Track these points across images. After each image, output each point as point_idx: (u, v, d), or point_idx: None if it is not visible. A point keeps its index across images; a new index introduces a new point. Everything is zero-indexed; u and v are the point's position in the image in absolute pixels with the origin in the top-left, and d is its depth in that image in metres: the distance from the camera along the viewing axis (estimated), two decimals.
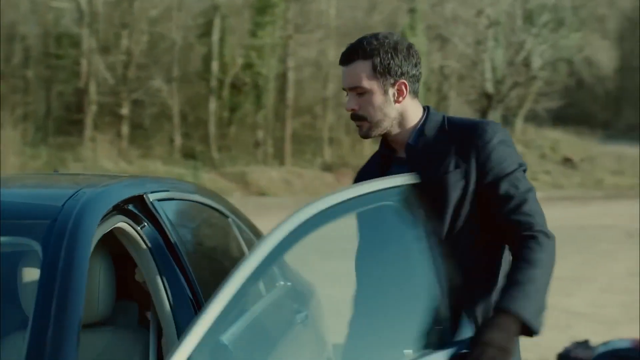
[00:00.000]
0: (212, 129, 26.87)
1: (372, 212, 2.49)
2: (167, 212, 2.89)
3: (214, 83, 26.98)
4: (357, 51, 2.74)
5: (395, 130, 2.78)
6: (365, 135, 2.78)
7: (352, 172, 26.66)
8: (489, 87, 28.97)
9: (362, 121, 2.74)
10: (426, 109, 2.83)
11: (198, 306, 2.71)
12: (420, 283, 2.48)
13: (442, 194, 2.60)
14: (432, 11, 27.12)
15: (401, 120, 2.79)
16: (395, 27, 28.11)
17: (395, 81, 2.74)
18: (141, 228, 2.69)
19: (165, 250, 2.74)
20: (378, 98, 2.75)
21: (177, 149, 26.63)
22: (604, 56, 32.08)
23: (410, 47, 2.77)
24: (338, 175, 25.96)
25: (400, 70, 2.73)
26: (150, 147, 26.23)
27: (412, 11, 26.50)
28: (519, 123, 31.80)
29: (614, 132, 40.16)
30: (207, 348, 1.91)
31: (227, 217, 3.71)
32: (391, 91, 2.75)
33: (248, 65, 27.08)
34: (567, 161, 32.18)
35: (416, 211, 2.51)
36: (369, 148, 29.46)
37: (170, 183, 3.26)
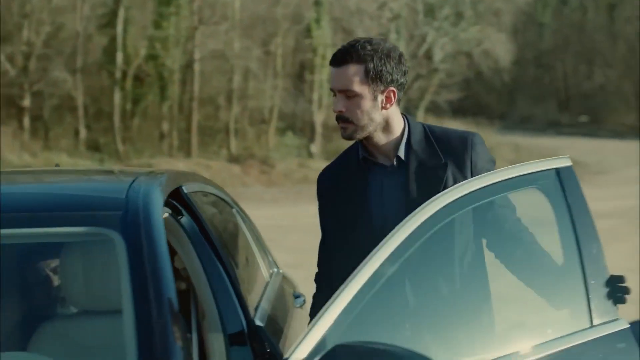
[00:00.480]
0: (117, 120, 26.57)
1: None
2: (197, 204, 3.04)
3: (118, 74, 26.68)
4: (351, 54, 2.80)
5: (379, 135, 2.86)
6: (349, 137, 2.87)
7: (258, 163, 26.80)
8: None
9: (347, 123, 2.82)
10: (405, 117, 2.94)
11: (234, 290, 2.88)
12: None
13: None
14: (336, 4, 27.39)
15: (385, 126, 2.85)
16: (301, 19, 28.30)
17: (385, 88, 2.80)
18: (180, 218, 2.82)
19: (203, 239, 2.89)
20: (367, 103, 2.79)
21: (82, 141, 26.26)
22: (501, 49, 32.92)
23: (401, 55, 2.88)
24: (245, 167, 26.02)
25: (391, 77, 2.80)
26: (54, 139, 25.81)
27: (317, 4, 26.71)
28: (420, 114, 32.40)
29: (509, 123, 41.24)
30: (344, 324, 2.06)
31: (232, 207, 3.89)
32: (380, 97, 2.79)
33: (152, 57, 26.86)
34: None
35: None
36: (274, 140, 29.61)
37: (191, 176, 3.42)
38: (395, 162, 2.86)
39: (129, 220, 2.40)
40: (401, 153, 2.85)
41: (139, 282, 2.23)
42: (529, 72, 45.23)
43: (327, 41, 27.14)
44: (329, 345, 2.05)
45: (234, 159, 26.93)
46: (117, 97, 26.67)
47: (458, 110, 35.32)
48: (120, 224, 2.39)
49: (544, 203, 2.55)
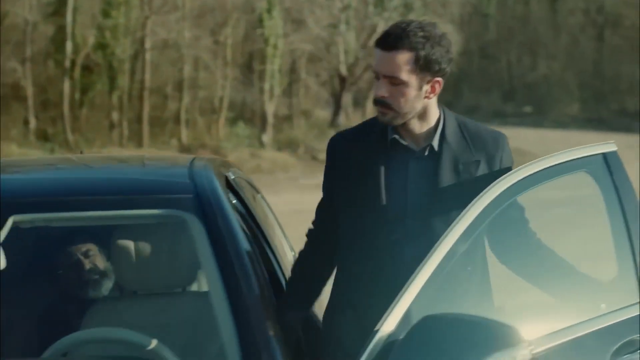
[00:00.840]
0: (66, 110, 26.31)
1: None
2: (243, 189, 3.14)
3: (67, 64, 26.40)
4: (403, 40, 2.64)
5: (414, 122, 2.75)
6: (387, 122, 2.74)
7: (210, 153, 26.72)
8: (343, 70, 29.56)
9: (387, 109, 2.69)
10: (441, 107, 2.85)
11: (282, 272, 2.99)
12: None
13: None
14: None
15: (422, 114, 2.75)
16: (252, 9, 28.27)
17: (432, 78, 2.69)
18: (233, 202, 2.93)
19: (252, 223, 2.99)
20: (412, 92, 2.67)
21: (32, 131, 25.97)
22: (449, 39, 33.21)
23: (450, 43, 2.76)
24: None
25: (439, 66, 2.69)
26: (4, 129, 25.47)
27: None
28: (369, 105, 32.61)
29: (457, 113, 41.66)
30: (426, 297, 2.19)
31: (258, 193, 4.01)
32: (425, 87, 2.69)
33: (102, 46, 26.63)
34: None
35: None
36: (225, 130, 29.57)
37: (227, 163, 3.52)
38: (427, 151, 2.78)
39: (203, 202, 2.52)
40: (435, 143, 2.77)
41: (224, 261, 2.33)
42: (474, 62, 45.74)
43: (278, 31, 27.16)
44: (415, 317, 2.17)
45: (185, 149, 26.86)
46: (66, 86, 26.40)
47: None
48: (194, 206, 2.49)
49: (591, 186, 2.69)
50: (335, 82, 30.97)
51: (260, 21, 27.28)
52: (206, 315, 2.38)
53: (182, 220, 2.48)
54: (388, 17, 29.06)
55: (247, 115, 30.08)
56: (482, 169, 2.76)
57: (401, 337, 2.13)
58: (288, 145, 27.88)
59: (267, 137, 27.89)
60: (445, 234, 2.38)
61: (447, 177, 2.74)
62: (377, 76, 2.73)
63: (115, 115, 27.42)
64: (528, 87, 45.20)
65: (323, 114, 33.98)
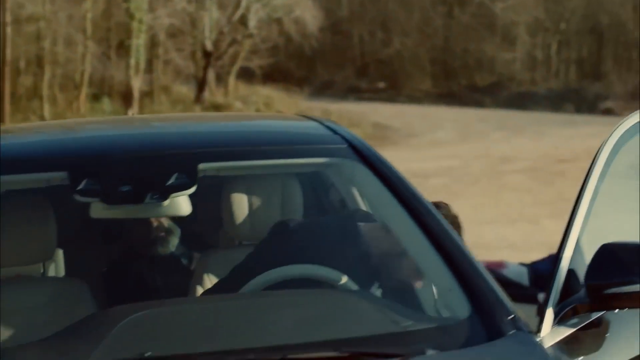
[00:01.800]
0: None
1: None
2: None
3: None
4: None
5: None
6: None
7: None
8: (208, 45, 29.45)
9: None
10: None
11: None
12: None
13: None
14: None
15: None
16: None
17: None
18: None
19: None
20: None
21: None
22: (309, 16, 33.59)
23: None
24: None
25: None
26: None
27: None
28: (231, 80, 32.62)
29: (312, 89, 42.15)
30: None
31: None
32: None
33: None
34: None
35: None
36: (87, 106, 28.98)
37: None
38: None
39: (359, 150, 2.68)
40: None
41: (407, 199, 2.51)
42: (327, 39, 46.23)
43: (144, 6, 26.78)
44: (585, 245, 2.44)
45: None
46: None
47: (268, 76, 35.76)
48: (354, 155, 2.65)
49: None
50: (198, 57, 30.79)
51: None
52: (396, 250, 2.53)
53: (350, 166, 2.65)
54: None
55: (114, 90, 29.57)
56: None
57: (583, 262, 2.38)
58: None
59: (132, 112, 27.51)
60: (588, 174, 2.66)
61: None
62: None
63: None
64: (381, 63, 46.06)
65: (184, 89, 33.72)
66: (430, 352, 2.19)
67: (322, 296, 2.61)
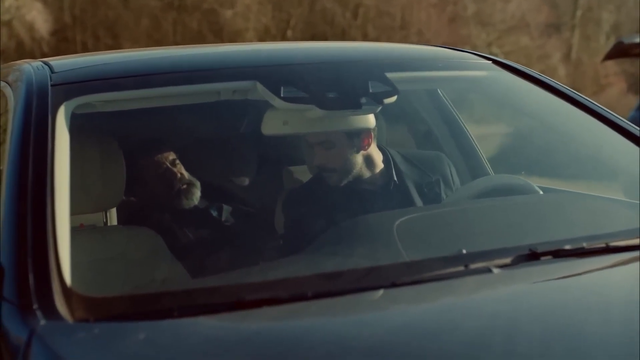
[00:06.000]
0: None
1: None
2: None
3: None
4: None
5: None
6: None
7: None
8: None
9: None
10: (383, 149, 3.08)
11: None
12: None
13: None
14: None
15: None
16: None
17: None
18: None
19: None
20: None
21: None
22: (40, 19, 32.38)
23: None
24: None
25: None
26: None
27: None
28: None
29: None
30: None
31: None
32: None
33: None
34: None
35: None
36: None
37: None
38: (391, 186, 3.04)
39: (507, 64, 2.91)
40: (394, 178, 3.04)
41: (564, 92, 2.77)
42: (52, 45, 44.66)
43: None
44: None
45: None
46: None
47: None
48: (500, 68, 2.88)
49: None
50: None
51: None
52: None
53: (501, 78, 2.86)
54: None
55: None
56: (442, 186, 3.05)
57: None
58: None
59: None
60: None
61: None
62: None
63: None
64: None
65: None
66: None
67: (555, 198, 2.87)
